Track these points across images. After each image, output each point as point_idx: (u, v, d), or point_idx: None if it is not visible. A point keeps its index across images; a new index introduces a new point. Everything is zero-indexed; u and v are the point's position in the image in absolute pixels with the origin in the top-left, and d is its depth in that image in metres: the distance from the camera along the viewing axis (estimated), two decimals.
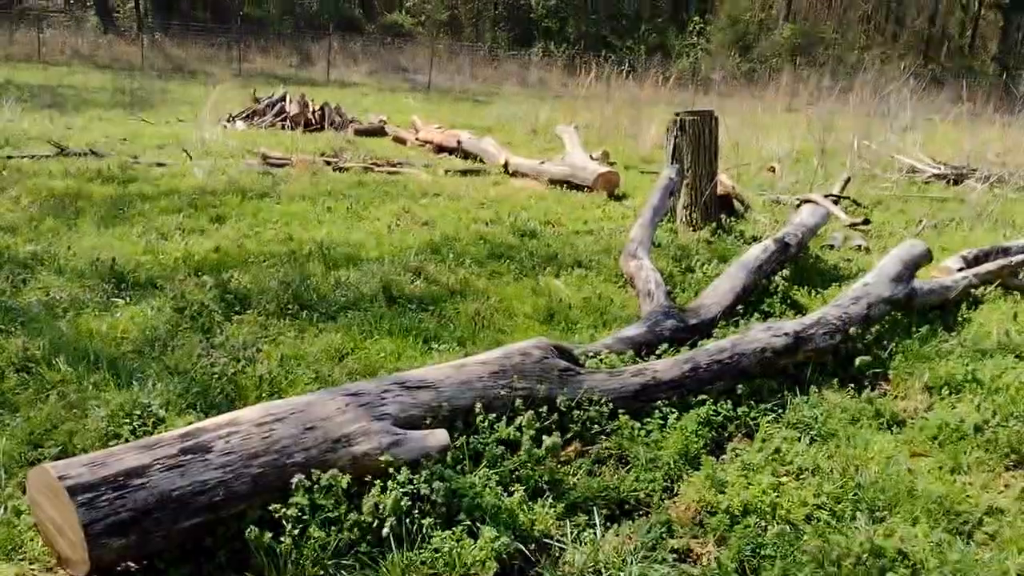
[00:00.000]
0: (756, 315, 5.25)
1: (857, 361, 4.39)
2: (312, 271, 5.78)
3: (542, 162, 10.42)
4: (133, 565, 2.57)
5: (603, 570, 2.72)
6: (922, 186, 11.66)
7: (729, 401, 3.86)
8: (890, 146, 13.15)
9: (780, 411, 3.91)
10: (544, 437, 3.23)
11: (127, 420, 3.46)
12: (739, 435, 3.76)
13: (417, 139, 13.12)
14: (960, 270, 5.91)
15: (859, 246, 7.47)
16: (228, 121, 13.84)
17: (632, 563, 2.72)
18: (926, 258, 5.48)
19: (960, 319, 5.40)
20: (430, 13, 36.61)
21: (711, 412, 3.71)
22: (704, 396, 3.81)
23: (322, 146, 11.67)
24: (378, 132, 13.86)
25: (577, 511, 3.02)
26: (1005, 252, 6.30)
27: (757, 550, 2.78)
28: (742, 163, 11.69)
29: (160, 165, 9.72)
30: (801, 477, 3.32)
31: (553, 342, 3.82)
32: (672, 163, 7.47)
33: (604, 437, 3.50)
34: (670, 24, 35.71)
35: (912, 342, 4.76)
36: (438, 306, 5.26)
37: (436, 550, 2.67)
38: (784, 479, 3.23)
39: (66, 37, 29.76)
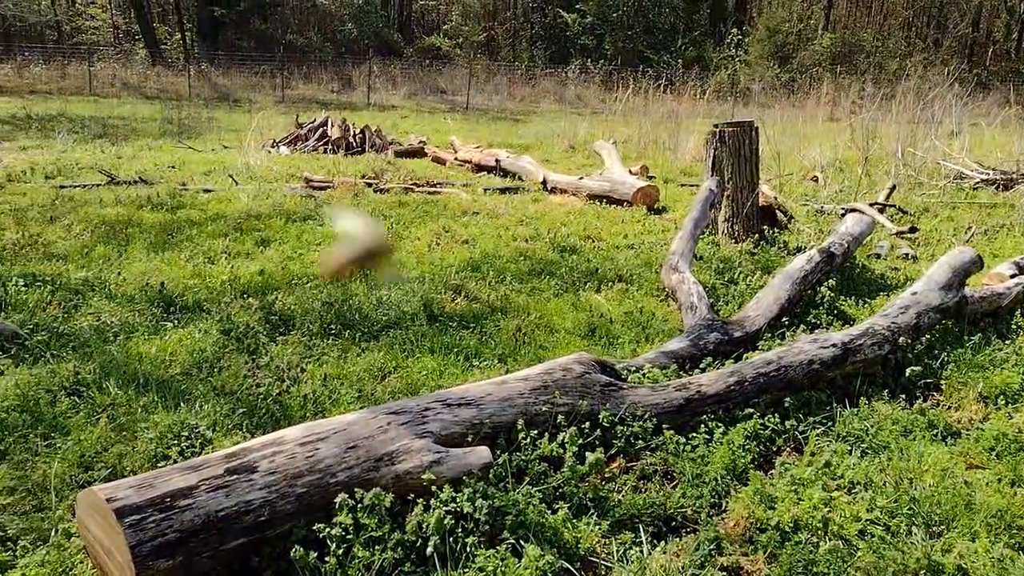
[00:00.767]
0: (802, 327, 5.17)
1: (907, 371, 4.28)
2: (354, 291, 5.83)
3: (581, 178, 10.41)
4: None
5: None
6: (970, 192, 11.38)
7: (776, 414, 3.79)
8: (936, 152, 12.88)
9: (829, 424, 3.82)
10: (587, 453, 3.20)
11: (175, 441, 3.51)
12: (787, 449, 3.69)
13: (456, 159, 13.20)
14: (1013, 276, 5.75)
15: (906, 255, 7.32)
16: (272, 146, 14.08)
17: None
18: (977, 265, 5.34)
19: (1014, 327, 5.25)
20: (467, 35, 36.93)
21: (758, 426, 3.64)
22: (751, 410, 3.75)
23: (363, 168, 11.80)
24: (418, 153, 13.99)
25: (623, 528, 2.99)
26: None
27: (809, 567, 2.71)
28: (784, 173, 11.58)
29: (207, 191, 9.90)
30: (853, 491, 3.23)
31: (595, 357, 3.79)
32: (712, 175, 7.41)
33: (648, 453, 3.46)
34: (707, 37, 35.55)
35: (964, 351, 4.64)
36: (479, 323, 5.26)
37: (480, 569, 2.66)
38: (835, 494, 3.15)
39: (116, 69, 30.65)
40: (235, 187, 10.15)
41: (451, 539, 2.73)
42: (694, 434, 3.56)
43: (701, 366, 4.33)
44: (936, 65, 31.56)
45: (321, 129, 14.52)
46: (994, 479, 3.42)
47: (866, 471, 3.33)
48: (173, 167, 11.99)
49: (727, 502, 3.22)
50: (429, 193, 10.32)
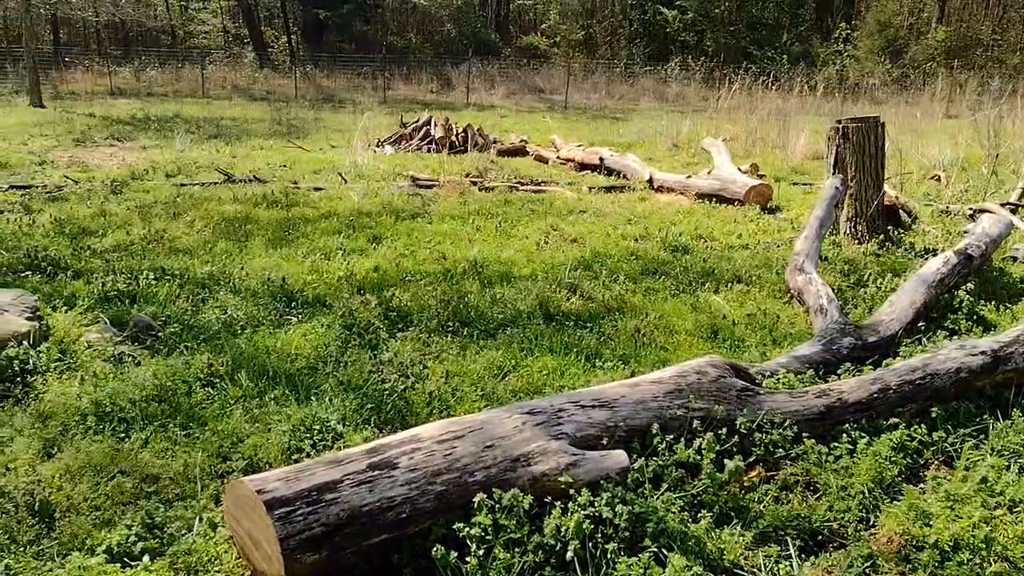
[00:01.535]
0: (940, 332, 4.89)
1: None
2: (468, 289, 5.83)
3: (688, 176, 10.19)
4: None
5: None
6: None
7: (923, 425, 3.58)
8: None
9: (981, 437, 3.59)
10: (726, 461, 3.08)
11: (307, 435, 3.56)
12: (936, 462, 3.48)
13: (559, 158, 13.14)
14: None
15: None
16: (377, 146, 14.32)
17: None
18: None
19: None
20: (565, 33, 36.83)
21: (905, 437, 3.44)
22: (895, 420, 3.55)
23: (467, 167, 11.86)
24: (519, 152, 13.99)
25: (767, 541, 2.86)
26: None
27: None
28: (904, 172, 11.06)
29: (318, 189, 10.12)
30: (1015, 510, 3.01)
31: (727, 360, 3.66)
32: (834, 173, 7.12)
33: (788, 462, 3.31)
34: (813, 32, 34.45)
35: None
36: (596, 323, 5.17)
37: None
38: (997, 512, 2.94)
39: (225, 72, 31.81)
40: (344, 185, 10.35)
41: (591, 544, 2.66)
42: (836, 444, 3.39)
43: (838, 372, 4.13)
44: None
45: (425, 129, 14.68)
46: None
47: None
48: (284, 166, 12.31)
49: (875, 517, 3.05)
50: (534, 191, 10.28)
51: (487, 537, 2.63)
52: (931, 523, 2.88)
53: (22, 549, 2.79)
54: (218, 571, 2.75)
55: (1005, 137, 15.04)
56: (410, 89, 30.13)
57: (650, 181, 10.61)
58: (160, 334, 4.83)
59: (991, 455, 3.39)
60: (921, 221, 8.25)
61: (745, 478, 3.18)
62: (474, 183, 10.51)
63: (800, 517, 2.96)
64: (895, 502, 3.09)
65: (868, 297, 5.50)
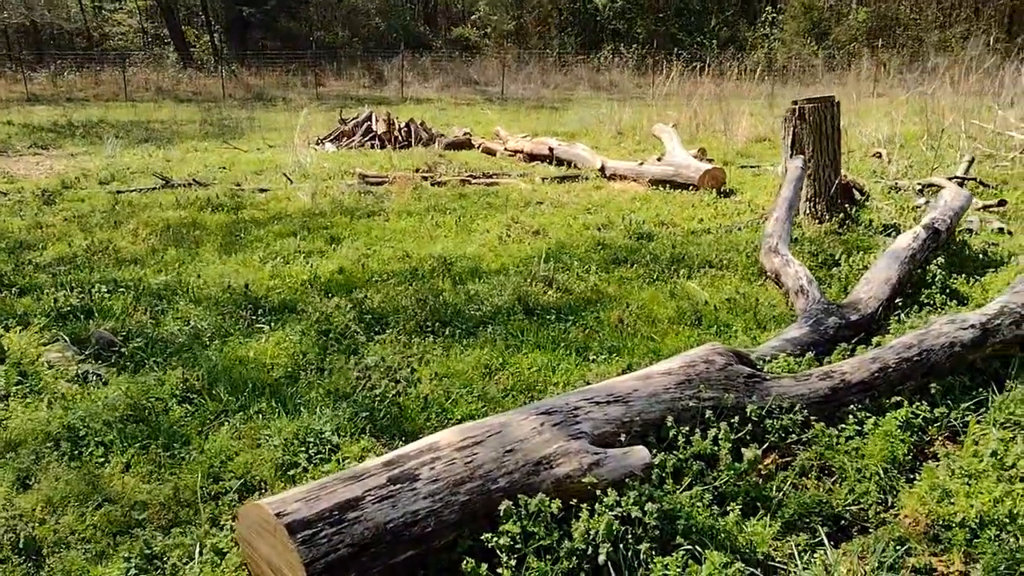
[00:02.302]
0: (915, 308, 4.95)
1: None
2: (441, 286, 5.68)
3: (641, 163, 10.19)
4: None
5: None
6: None
7: (923, 401, 3.59)
8: (1000, 123, 12.48)
9: (982, 410, 3.61)
10: (743, 450, 3.02)
11: (302, 448, 3.39)
12: (940, 438, 3.48)
13: (506, 149, 13.02)
14: None
15: (1000, 229, 7.03)
16: (318, 144, 13.99)
17: None
18: None
19: None
20: (496, 24, 36.65)
21: (909, 414, 3.43)
22: (897, 397, 3.55)
23: (416, 162, 11.66)
24: (465, 145, 13.83)
25: (794, 530, 2.81)
26: None
27: (1015, 566, 2.51)
28: (848, 151, 11.26)
29: (263, 191, 9.81)
30: None
31: (729, 347, 3.61)
32: (792, 154, 7.16)
33: (801, 447, 3.27)
34: (740, 17, 34.99)
35: None
36: (577, 315, 5.09)
37: None
38: (1018, 486, 2.94)
39: (147, 74, 30.77)
40: (291, 186, 10.05)
41: (621, 546, 2.57)
42: (843, 425, 3.37)
43: (829, 353, 4.12)
44: (977, 35, 30.82)
45: (366, 124, 14.40)
46: None
47: None
48: (223, 168, 11.92)
49: (893, 497, 3.03)
50: (487, 184, 10.15)
51: (517, 546, 2.51)
52: (953, 501, 2.87)
53: None
54: None
55: (933, 112, 15.52)
56: (342, 85, 29.61)
57: (602, 169, 10.58)
58: (123, 350, 4.57)
59: (996, 428, 3.41)
60: (873, 198, 8.38)
61: (761, 465, 3.13)
62: (425, 178, 10.32)
63: (822, 503, 2.92)
64: (912, 482, 3.08)
65: (842, 276, 5.53)
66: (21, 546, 2.76)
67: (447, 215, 8.26)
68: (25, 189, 10.01)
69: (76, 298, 5.31)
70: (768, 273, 5.54)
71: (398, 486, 2.49)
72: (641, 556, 2.56)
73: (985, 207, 7.67)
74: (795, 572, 2.60)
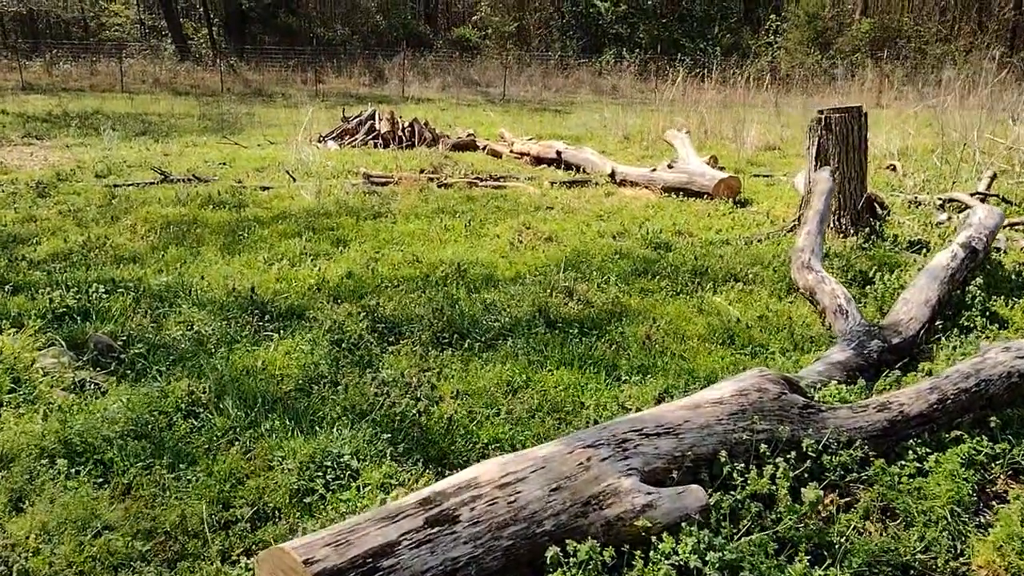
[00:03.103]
0: (956, 331, 4.72)
1: None
2: (455, 294, 5.43)
3: (653, 169, 9.95)
4: None
5: None
6: None
7: (983, 436, 3.35)
8: (1015, 139, 12.30)
9: None
10: (803, 490, 2.78)
11: (319, 473, 3.14)
12: (1003, 476, 3.25)
13: (512, 152, 12.77)
14: None
15: None
16: (319, 141, 13.71)
17: None
18: None
19: None
20: (497, 25, 36.39)
21: (971, 450, 3.20)
22: (957, 432, 3.31)
23: (421, 163, 11.40)
24: (469, 146, 13.57)
25: None
26: None
27: None
28: None
29: (265, 188, 9.54)
30: None
31: (779, 374, 3.37)
32: (817, 165, 6.94)
33: (860, 486, 3.03)
34: (743, 24, 34.82)
35: None
36: (601, 330, 4.84)
37: None
38: None
39: (144, 66, 30.39)
40: (293, 184, 9.77)
41: None
42: (903, 462, 3.13)
43: (873, 379, 3.89)
44: (981, 50, 30.75)
45: (369, 123, 14.13)
46: None
47: None
48: (224, 164, 11.63)
49: (962, 544, 2.79)
50: (495, 187, 9.90)
51: None
52: None
53: None
54: None
55: (938, 126, 15.34)
56: (342, 82, 29.30)
57: (612, 174, 10.33)
58: (123, 356, 4.30)
59: None
60: (893, 213, 8.17)
61: (821, 506, 2.89)
62: (431, 179, 10.07)
63: (890, 551, 2.68)
64: (981, 527, 2.84)
65: (877, 295, 5.29)
66: None
67: (456, 218, 8.00)
68: (19, 180, 9.72)
69: (72, 298, 5.03)
70: (802, 290, 5.30)
71: (436, 529, 2.23)
72: None
73: (1010, 225, 7.46)
74: None
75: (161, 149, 13.18)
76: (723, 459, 2.82)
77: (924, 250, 6.69)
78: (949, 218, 7.93)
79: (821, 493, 2.79)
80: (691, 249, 6.81)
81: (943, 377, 3.55)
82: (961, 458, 3.15)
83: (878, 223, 7.34)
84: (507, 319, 4.94)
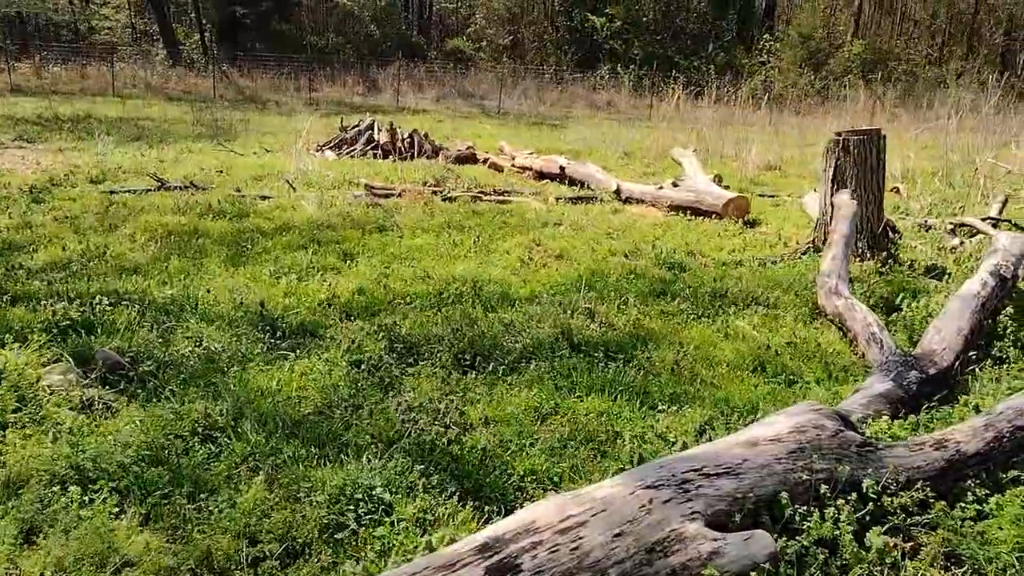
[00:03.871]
0: (989, 362, 4.61)
1: None
2: (472, 313, 5.26)
3: (659, 187, 9.84)
4: None
5: None
6: None
7: None
8: (1020, 163, 12.31)
9: None
10: (869, 536, 2.63)
11: (349, 506, 2.96)
12: None
13: (514, 166, 12.64)
14: None
15: None
16: (317, 150, 13.53)
17: None
18: None
19: None
20: (491, 38, 36.36)
21: None
22: (1014, 472, 3.18)
23: (423, 175, 11.23)
24: (470, 159, 13.42)
25: None
26: None
27: None
28: None
29: (264, 198, 9.34)
30: None
31: (832, 408, 3.23)
32: (834, 188, 6.84)
33: (923, 530, 2.89)
34: (737, 42, 34.95)
35: None
36: (627, 354, 4.69)
37: None
38: None
39: (135, 70, 30.09)
40: (294, 194, 9.59)
41: None
42: (962, 504, 3.00)
43: (918, 411, 3.76)
44: (972, 73, 31.02)
45: (368, 133, 13.96)
46: None
47: None
48: (221, 172, 11.41)
49: None
50: (499, 202, 9.75)
51: None
52: None
53: None
54: None
55: (934, 148, 15.39)
56: (335, 91, 29.11)
57: (617, 191, 10.22)
58: (132, 373, 4.11)
59: None
60: (904, 237, 8.08)
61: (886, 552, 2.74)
62: (435, 192, 9.91)
63: None
64: None
65: (907, 322, 5.17)
66: None
67: (464, 233, 7.85)
68: (12, 184, 9.48)
69: (76, 311, 4.83)
70: (830, 316, 5.18)
71: None
72: None
73: None
74: None
75: (156, 155, 12.94)
76: (784, 501, 2.67)
77: (941, 275, 6.59)
78: (961, 243, 7.84)
79: (888, 539, 2.65)
80: (706, 271, 6.68)
81: (997, 413, 3.42)
82: (1023, 500, 3.02)
83: (894, 247, 7.25)
84: (529, 340, 4.78)
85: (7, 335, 4.34)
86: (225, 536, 2.79)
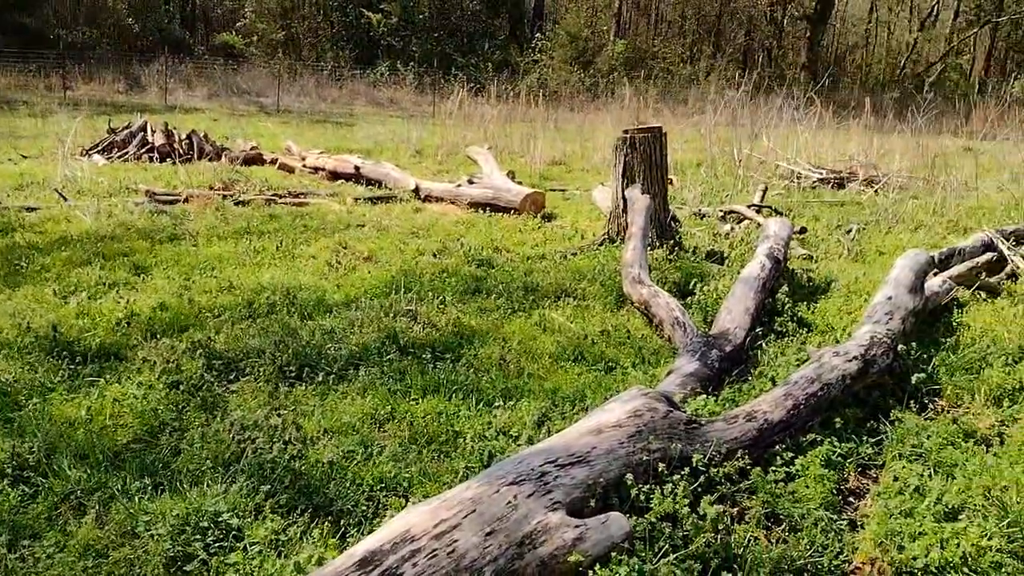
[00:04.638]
0: (773, 336, 5.15)
1: (914, 379, 4.32)
2: (289, 323, 5.12)
3: (458, 185, 10.00)
4: None
5: None
6: (809, 191, 12.16)
7: (832, 436, 3.67)
8: (772, 154, 13.68)
9: (879, 441, 3.75)
10: (703, 506, 2.89)
11: (196, 536, 2.82)
12: (854, 473, 3.57)
13: (306, 166, 12.31)
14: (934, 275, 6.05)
15: (809, 256, 7.58)
16: (83, 155, 12.46)
17: None
18: (931, 266, 5.56)
19: (955, 324, 5.50)
20: (263, 33, 35.01)
21: (829, 452, 3.49)
22: (812, 435, 3.60)
23: (209, 178, 10.66)
24: (257, 160, 12.91)
25: None
26: (959, 253, 6.55)
27: None
28: None
29: (31, 209, 8.50)
30: (958, 518, 3.11)
31: (657, 391, 3.48)
32: (623, 181, 7.30)
33: (745, 495, 3.19)
34: (511, 41, 36.03)
35: (944, 353, 4.78)
36: (455, 353, 4.77)
37: None
38: (955, 525, 3.01)
39: None
40: (66, 204, 8.80)
41: None
42: (773, 467, 3.35)
43: (721, 387, 4.15)
44: (719, 70, 33.98)
45: (141, 135, 13.04)
46: None
47: (959, 494, 3.21)
48: None
49: (839, 543, 3.02)
50: (296, 204, 9.50)
51: None
52: (904, 546, 2.90)
53: None
54: None
55: (692, 141, 16.76)
56: (93, 89, 26.82)
57: (416, 190, 10.27)
58: None
59: (906, 461, 3.54)
60: (682, 224, 8.76)
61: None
62: (225, 196, 9.47)
63: (787, 557, 2.84)
64: (852, 524, 3.10)
65: (702, 305, 5.64)
66: None
67: (264, 239, 7.58)
68: None
69: None
70: (636, 303, 5.54)
71: None
72: None
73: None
74: None
75: None
76: (629, 482, 2.87)
77: (720, 259, 7.21)
78: (732, 228, 8.64)
79: (719, 507, 2.91)
80: (514, 265, 6.90)
81: (792, 383, 3.84)
82: (821, 460, 3.43)
83: (678, 236, 7.84)
84: (354, 346, 4.74)
85: None
86: None
